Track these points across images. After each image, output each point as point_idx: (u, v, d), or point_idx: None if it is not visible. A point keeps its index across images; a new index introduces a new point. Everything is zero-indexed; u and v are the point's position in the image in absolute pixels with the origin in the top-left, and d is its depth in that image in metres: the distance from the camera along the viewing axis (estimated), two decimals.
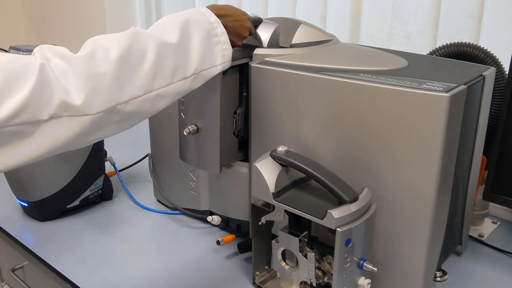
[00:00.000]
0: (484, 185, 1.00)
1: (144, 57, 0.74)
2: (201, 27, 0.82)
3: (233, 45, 0.87)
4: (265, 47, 0.96)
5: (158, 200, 1.26)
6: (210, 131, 0.93)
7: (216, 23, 0.84)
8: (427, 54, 1.14)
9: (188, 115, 0.96)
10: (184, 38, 0.79)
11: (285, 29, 1.05)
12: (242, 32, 0.89)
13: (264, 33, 0.97)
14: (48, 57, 0.68)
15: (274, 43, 0.97)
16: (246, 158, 1.01)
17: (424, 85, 0.77)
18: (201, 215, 1.13)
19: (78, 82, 0.68)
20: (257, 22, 0.97)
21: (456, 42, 1.09)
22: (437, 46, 1.12)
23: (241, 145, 1.00)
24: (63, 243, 1.09)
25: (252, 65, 0.92)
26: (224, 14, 0.86)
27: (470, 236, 1.08)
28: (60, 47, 0.70)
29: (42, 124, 0.66)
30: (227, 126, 0.95)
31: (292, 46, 1.01)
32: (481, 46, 1.06)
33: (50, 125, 0.66)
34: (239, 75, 0.94)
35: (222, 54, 0.84)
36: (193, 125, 0.94)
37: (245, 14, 0.92)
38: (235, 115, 0.96)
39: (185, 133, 0.94)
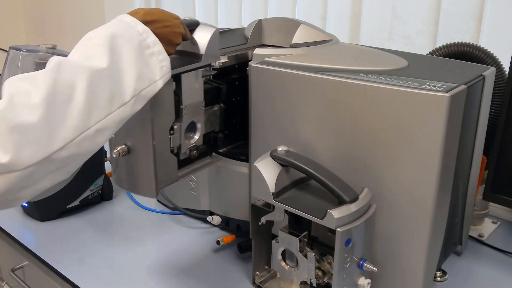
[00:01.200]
0: (484, 185, 1.00)
1: (74, 92, 0.64)
2: (130, 41, 0.72)
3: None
4: (202, 54, 0.87)
5: (158, 200, 1.26)
6: (142, 152, 0.84)
7: (145, 33, 0.74)
8: (427, 54, 1.14)
9: (117, 135, 0.85)
10: (114, 58, 0.70)
11: (285, 29, 1.05)
12: (173, 39, 0.80)
13: (202, 37, 0.88)
14: None
15: (213, 47, 0.89)
16: (246, 158, 1.01)
17: (424, 85, 0.77)
18: (201, 215, 1.13)
19: (0, 136, 0.59)
20: (193, 25, 0.88)
21: (456, 42, 1.09)
22: (437, 46, 1.12)
23: (184, 162, 0.93)
24: (63, 243, 1.09)
25: (252, 65, 0.92)
26: (152, 20, 0.77)
27: (470, 236, 1.08)
28: None
29: None
30: (162, 144, 0.86)
31: (292, 46, 1.01)
32: (481, 46, 1.06)
33: None
34: (175, 86, 0.86)
35: (160, 66, 0.75)
36: (123, 145, 0.84)
37: (177, 18, 0.82)
38: (171, 131, 0.87)
39: (114, 155, 0.84)
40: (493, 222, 1.16)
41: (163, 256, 1.06)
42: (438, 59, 1.04)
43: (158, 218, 1.20)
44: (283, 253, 0.90)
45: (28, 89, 0.62)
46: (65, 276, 0.99)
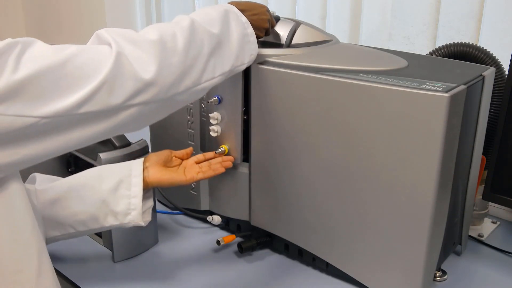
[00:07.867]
0: (483, 185, 1.00)
1: (202, 50, 0.77)
2: (238, 26, 0.85)
3: (257, 37, 0.89)
4: (282, 43, 0.98)
5: (158, 200, 1.26)
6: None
7: (247, 24, 0.87)
8: (427, 54, 1.14)
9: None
10: (225, 33, 0.82)
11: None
12: (262, 25, 0.92)
13: (282, 30, 0.99)
14: (121, 44, 0.68)
15: (291, 40, 1.00)
16: (246, 158, 1.01)
17: (424, 85, 0.77)
18: (201, 215, 1.13)
19: (151, 65, 0.69)
20: (275, 20, 1.00)
21: (455, 42, 1.09)
22: (437, 46, 1.12)
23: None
24: (63, 243, 1.09)
25: (252, 65, 0.92)
26: (242, 9, 0.88)
27: (470, 236, 1.08)
28: (129, 32, 0.71)
29: (113, 111, 0.67)
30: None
31: (292, 46, 1.01)
32: (481, 46, 1.06)
33: (121, 112, 0.68)
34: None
35: (250, 53, 0.87)
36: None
37: (263, 6, 0.94)
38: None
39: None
40: (492, 222, 1.16)
41: (162, 256, 1.06)
42: (438, 59, 1.04)
43: (158, 218, 1.20)
44: None
45: (175, 33, 0.74)
46: (65, 276, 0.99)
